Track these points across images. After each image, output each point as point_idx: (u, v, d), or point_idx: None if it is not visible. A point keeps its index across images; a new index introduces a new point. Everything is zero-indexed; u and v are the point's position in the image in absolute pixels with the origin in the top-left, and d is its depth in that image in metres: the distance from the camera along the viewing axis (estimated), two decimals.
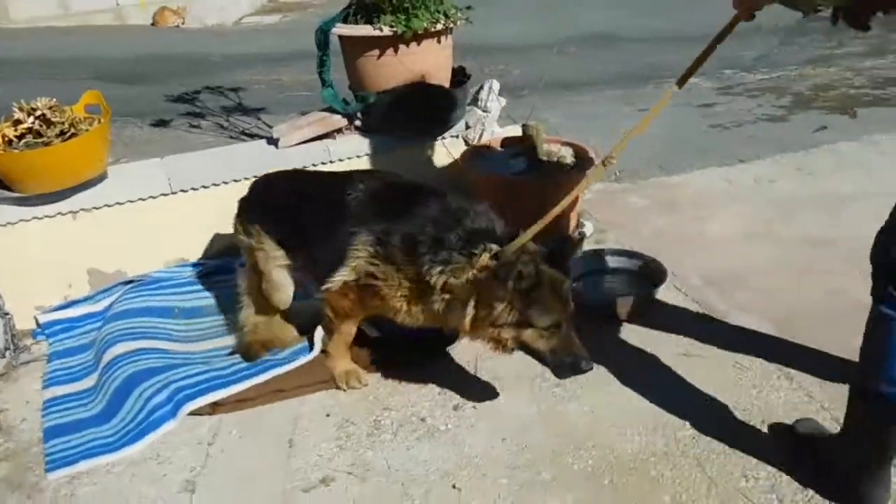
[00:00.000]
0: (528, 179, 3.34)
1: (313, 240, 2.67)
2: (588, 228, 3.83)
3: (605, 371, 2.77)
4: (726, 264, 3.57)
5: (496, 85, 3.78)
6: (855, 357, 2.12)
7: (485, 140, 3.77)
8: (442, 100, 3.47)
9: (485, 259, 2.36)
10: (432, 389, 2.77)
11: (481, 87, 3.79)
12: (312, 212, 2.70)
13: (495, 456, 2.43)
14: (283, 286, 2.90)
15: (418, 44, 3.34)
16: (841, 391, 2.41)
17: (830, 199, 4.28)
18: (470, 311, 2.38)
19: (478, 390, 2.73)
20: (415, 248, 2.44)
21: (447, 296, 2.42)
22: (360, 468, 2.40)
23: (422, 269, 2.42)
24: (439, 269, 2.39)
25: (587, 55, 8.79)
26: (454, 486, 2.31)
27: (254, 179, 3.11)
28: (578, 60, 8.56)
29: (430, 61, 3.38)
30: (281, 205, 2.85)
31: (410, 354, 2.89)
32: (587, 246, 3.65)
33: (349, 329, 2.78)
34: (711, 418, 2.52)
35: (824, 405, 2.55)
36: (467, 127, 3.77)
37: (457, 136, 3.74)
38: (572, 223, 3.63)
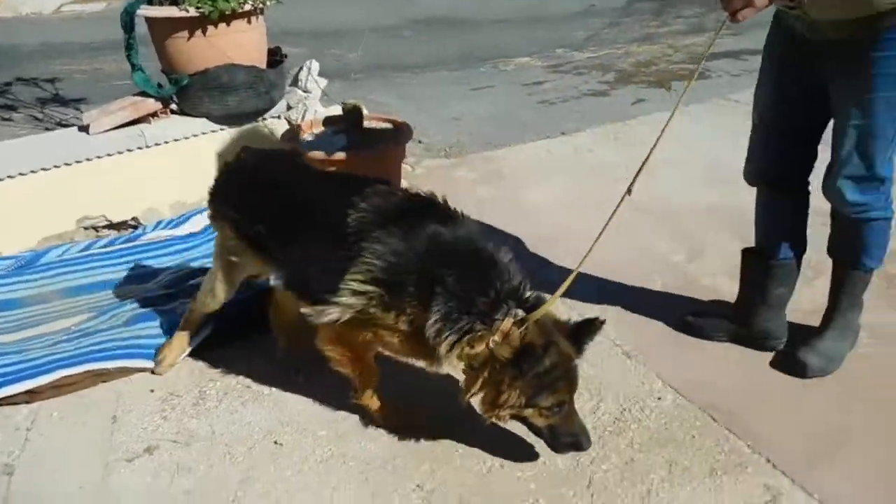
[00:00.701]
0: (350, 154, 3.61)
1: (302, 256, 2.42)
2: None
3: None
4: (545, 229, 4.00)
5: (315, 65, 4.01)
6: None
7: (308, 120, 4.00)
8: (258, 80, 3.66)
9: (507, 325, 2.15)
10: (260, 359, 2.97)
11: (301, 68, 4.02)
12: (304, 220, 2.44)
13: (317, 412, 2.68)
14: (224, 292, 2.79)
15: (227, 24, 3.51)
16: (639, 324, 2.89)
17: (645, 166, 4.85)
18: (476, 385, 2.23)
19: (304, 358, 2.96)
20: (429, 300, 2.16)
21: (454, 361, 2.26)
22: (184, 435, 2.58)
23: (430, 331, 2.17)
24: (453, 338, 2.16)
25: (426, 38, 9.19)
26: (276, 442, 2.54)
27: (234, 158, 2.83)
28: (416, 43, 8.93)
29: (242, 42, 3.57)
30: (262, 202, 2.56)
31: (240, 329, 3.08)
32: None
33: (368, 365, 2.51)
34: None
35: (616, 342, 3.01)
36: (289, 108, 3.98)
37: (278, 117, 3.95)
38: None
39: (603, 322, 2.26)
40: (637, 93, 6.63)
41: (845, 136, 2.52)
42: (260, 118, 3.86)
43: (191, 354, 2.97)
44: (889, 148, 2.51)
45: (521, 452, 2.44)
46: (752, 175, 3.00)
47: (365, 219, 2.28)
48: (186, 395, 2.78)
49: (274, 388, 2.81)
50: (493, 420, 2.28)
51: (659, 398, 2.70)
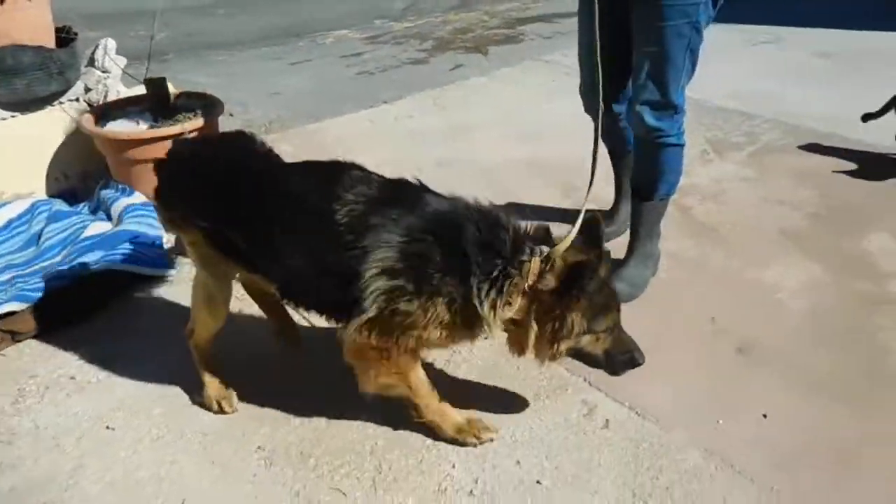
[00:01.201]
0: (158, 131, 3.56)
1: (297, 264, 2.20)
2: None
3: None
4: None
5: (112, 44, 3.90)
6: None
7: (110, 100, 3.89)
8: (47, 61, 3.51)
9: (536, 265, 2.08)
10: (85, 349, 2.92)
11: (96, 47, 3.89)
12: (287, 220, 2.21)
13: (149, 392, 2.68)
14: (222, 301, 2.52)
15: (2, 3, 3.33)
16: None
17: (460, 127, 5.11)
18: (532, 331, 2.14)
19: (130, 341, 2.95)
20: (460, 271, 2.05)
21: (509, 316, 2.12)
22: (5, 435, 2.52)
23: (476, 299, 2.05)
24: (493, 295, 2.05)
25: (240, 14, 9.02)
26: (108, 427, 2.53)
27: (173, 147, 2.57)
28: (230, 20, 8.76)
29: (24, 21, 3.40)
30: (232, 203, 2.27)
31: (60, 318, 3.01)
32: None
33: (416, 371, 2.31)
34: None
35: None
36: (87, 90, 3.85)
37: (77, 100, 3.81)
38: None
39: (597, 213, 2.21)
40: (455, 59, 6.89)
41: (642, 63, 2.85)
42: (56, 102, 3.71)
43: (6, 352, 2.88)
44: (681, 77, 2.85)
45: (357, 404, 2.57)
46: (586, 108, 3.34)
47: (355, 210, 2.11)
48: (4, 396, 2.69)
49: (101, 376, 2.77)
50: (550, 362, 2.23)
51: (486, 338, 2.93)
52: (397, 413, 2.45)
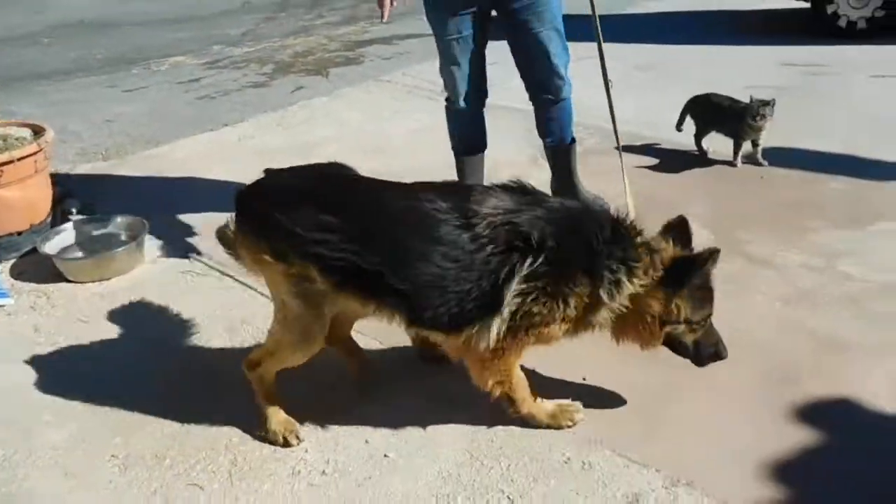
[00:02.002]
0: None
1: (431, 279, 2.26)
2: (75, 205, 4.21)
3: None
4: (213, 213, 4.25)
5: None
6: None
7: None
8: None
9: (647, 258, 2.34)
10: None
11: None
12: (419, 235, 2.27)
13: None
14: (321, 337, 2.48)
15: None
16: None
17: (305, 145, 5.32)
18: (644, 321, 2.37)
19: None
20: (589, 261, 2.27)
21: (624, 309, 2.34)
22: None
23: (599, 288, 2.28)
24: (621, 280, 2.29)
25: (67, 43, 8.83)
26: None
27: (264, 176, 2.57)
28: (57, 50, 8.56)
29: None
30: (352, 215, 2.31)
31: None
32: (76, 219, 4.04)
33: (517, 370, 2.49)
34: None
35: None
36: None
37: None
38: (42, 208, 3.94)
39: (685, 218, 2.45)
40: (297, 81, 7.09)
41: (543, 41, 3.58)
42: None
43: None
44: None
45: (211, 407, 2.72)
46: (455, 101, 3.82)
47: (493, 223, 2.27)
48: None
49: None
50: (649, 347, 2.46)
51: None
52: (251, 411, 2.62)
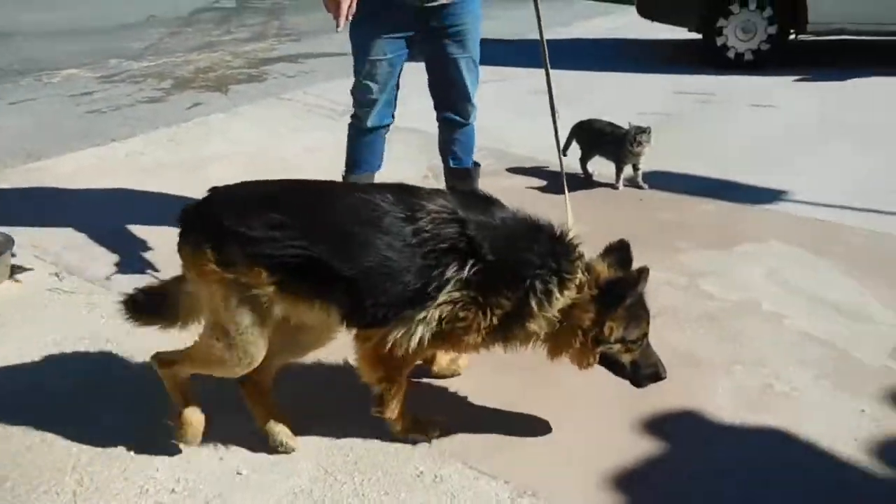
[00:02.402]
0: None
1: (352, 284, 2.28)
2: None
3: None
4: (86, 231, 4.18)
5: None
6: None
7: None
8: None
9: (582, 275, 2.36)
10: None
11: None
12: (366, 224, 2.30)
13: None
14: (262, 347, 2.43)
15: None
16: None
17: (196, 162, 5.27)
18: (574, 339, 2.38)
19: None
20: (522, 273, 2.30)
21: (556, 322, 2.36)
22: None
23: (530, 297, 2.30)
24: (552, 292, 2.31)
25: None
26: None
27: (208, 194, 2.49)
28: None
29: None
30: (304, 218, 2.33)
31: None
32: None
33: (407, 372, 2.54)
34: None
35: None
36: None
37: None
38: None
39: (627, 242, 2.50)
40: (195, 97, 7.01)
41: (461, 68, 3.71)
42: None
43: None
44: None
45: (59, 428, 2.65)
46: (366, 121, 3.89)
47: (437, 219, 2.30)
48: None
49: None
50: (584, 366, 2.47)
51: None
52: (103, 430, 2.58)
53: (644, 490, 2.43)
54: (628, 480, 2.46)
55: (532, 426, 2.69)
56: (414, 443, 2.60)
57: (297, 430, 2.61)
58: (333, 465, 2.51)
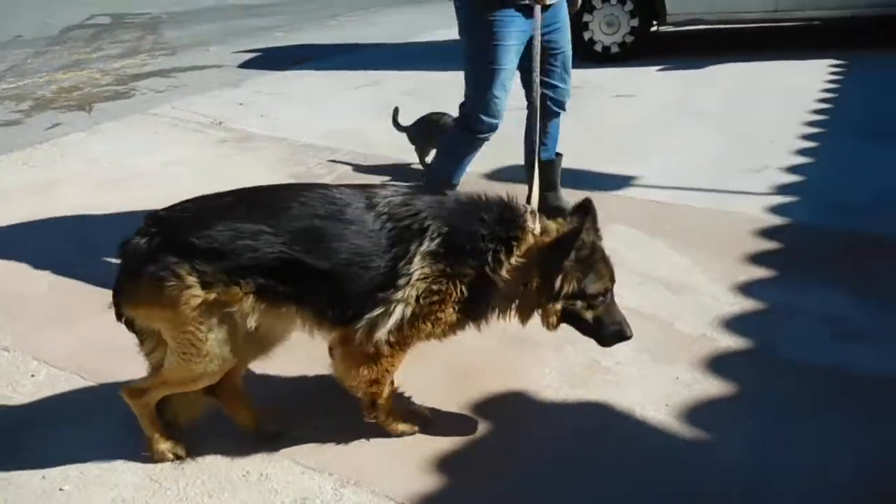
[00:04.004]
0: None
1: (330, 277, 2.33)
2: None
3: None
4: None
5: None
6: None
7: None
8: None
9: (531, 235, 2.45)
10: None
11: None
12: (328, 231, 2.34)
13: None
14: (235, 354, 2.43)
15: None
16: None
17: (47, 183, 5.20)
18: (531, 290, 2.44)
19: None
20: (476, 241, 2.40)
21: (508, 282, 2.43)
22: None
23: (487, 261, 2.39)
24: (500, 257, 2.40)
25: None
26: None
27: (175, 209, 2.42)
28: None
29: None
30: (266, 236, 2.30)
31: None
32: None
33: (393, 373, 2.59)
34: None
35: None
36: None
37: None
38: None
39: (590, 200, 2.52)
40: (55, 118, 6.90)
41: (568, 56, 4.07)
42: None
43: None
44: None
45: None
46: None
47: (393, 202, 2.41)
48: None
49: None
50: (551, 326, 2.52)
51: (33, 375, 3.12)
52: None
53: (467, 471, 2.56)
54: (452, 463, 2.58)
55: (361, 419, 2.78)
56: (401, 435, 2.68)
57: (125, 443, 2.66)
58: (159, 473, 2.55)
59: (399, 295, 2.36)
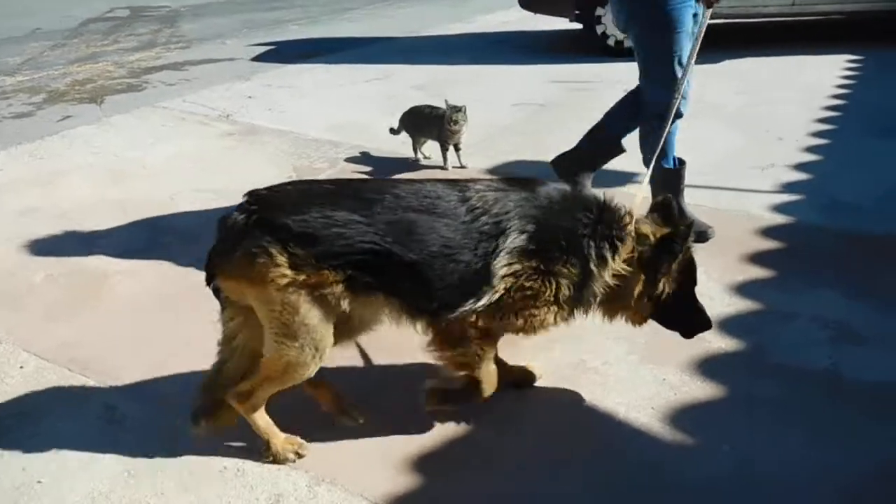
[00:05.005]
0: None
1: (419, 269, 2.35)
2: None
3: None
4: None
5: None
6: None
7: None
8: None
9: (631, 238, 2.51)
10: None
11: None
12: (411, 227, 2.36)
13: None
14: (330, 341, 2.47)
15: None
16: None
17: (51, 175, 5.24)
18: (630, 289, 2.54)
19: None
20: (576, 238, 2.43)
21: (613, 283, 2.50)
22: None
23: (591, 259, 2.43)
24: (605, 257, 2.45)
25: None
26: None
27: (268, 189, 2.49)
28: None
29: None
30: (359, 225, 2.34)
31: None
32: None
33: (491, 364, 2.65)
34: None
35: None
36: None
37: None
38: None
39: (670, 198, 2.67)
40: (66, 110, 6.95)
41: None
42: None
43: None
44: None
45: None
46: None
47: (486, 197, 2.43)
48: None
49: None
50: (639, 322, 2.69)
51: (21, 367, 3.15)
52: None
53: (444, 471, 2.54)
54: (429, 463, 2.57)
55: (328, 417, 2.76)
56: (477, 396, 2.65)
57: (107, 437, 2.68)
58: (137, 467, 2.56)
59: (487, 290, 2.39)
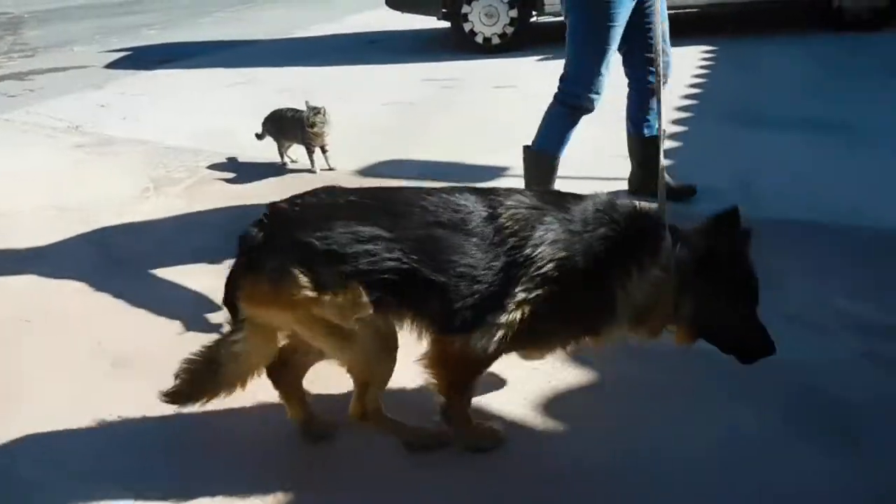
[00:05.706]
0: None
1: (443, 289, 2.24)
2: None
3: None
4: None
5: None
6: None
7: None
8: None
9: (666, 243, 2.32)
10: None
11: None
12: (447, 225, 2.28)
13: None
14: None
15: None
16: None
17: None
18: (666, 310, 2.35)
19: None
20: (602, 264, 2.29)
21: (645, 303, 2.33)
22: None
23: (615, 283, 2.30)
24: (636, 271, 2.31)
25: None
26: None
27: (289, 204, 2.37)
28: None
29: None
30: (385, 241, 2.24)
31: None
32: None
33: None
34: None
35: None
36: None
37: None
38: None
39: (736, 208, 2.36)
40: None
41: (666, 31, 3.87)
42: None
43: None
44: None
45: None
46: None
47: (517, 214, 2.31)
48: None
49: None
50: (688, 342, 2.43)
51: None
52: None
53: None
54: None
55: None
56: (478, 450, 2.52)
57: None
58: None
59: (504, 317, 2.28)
